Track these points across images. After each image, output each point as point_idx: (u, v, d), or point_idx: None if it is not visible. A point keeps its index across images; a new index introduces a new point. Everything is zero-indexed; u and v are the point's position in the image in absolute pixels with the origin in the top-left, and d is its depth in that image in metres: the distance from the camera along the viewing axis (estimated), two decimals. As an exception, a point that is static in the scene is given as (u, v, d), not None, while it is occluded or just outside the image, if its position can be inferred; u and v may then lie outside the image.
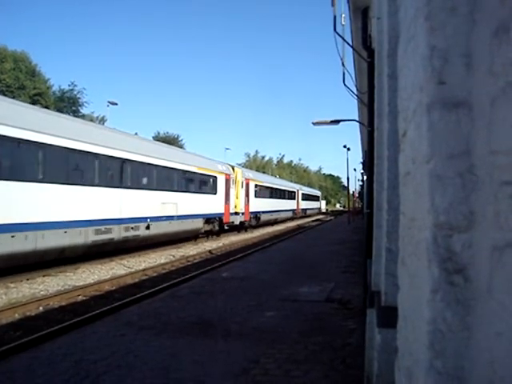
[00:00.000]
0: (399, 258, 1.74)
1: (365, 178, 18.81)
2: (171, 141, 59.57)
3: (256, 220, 38.90)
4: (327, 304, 8.50)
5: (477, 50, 0.99)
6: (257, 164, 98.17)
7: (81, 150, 15.36)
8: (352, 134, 33.84)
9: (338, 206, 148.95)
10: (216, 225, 28.80)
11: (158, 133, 70.31)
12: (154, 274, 15.33)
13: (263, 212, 40.47)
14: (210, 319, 7.30)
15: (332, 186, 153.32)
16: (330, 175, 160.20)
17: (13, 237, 12.20)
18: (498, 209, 0.89)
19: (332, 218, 70.46)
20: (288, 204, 53.29)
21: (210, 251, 21.79)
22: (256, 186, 38.82)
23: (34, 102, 38.05)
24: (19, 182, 12.68)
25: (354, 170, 59.06)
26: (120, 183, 17.90)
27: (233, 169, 33.33)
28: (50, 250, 13.96)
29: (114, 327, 6.94)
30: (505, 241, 0.86)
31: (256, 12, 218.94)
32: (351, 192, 58.08)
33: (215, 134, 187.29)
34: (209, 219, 27.19)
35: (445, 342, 1.01)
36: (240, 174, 34.14)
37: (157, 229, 20.30)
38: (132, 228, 18.47)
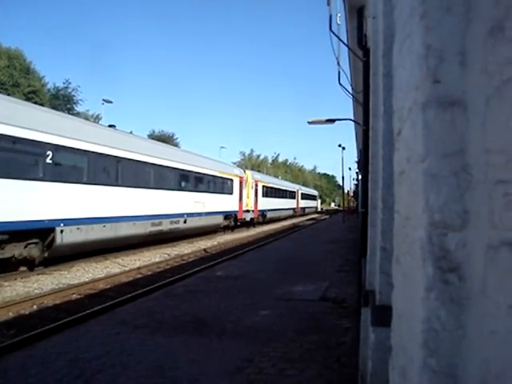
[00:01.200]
0: (394, 256, 1.75)
1: (359, 177, 18.85)
2: (166, 139, 59.25)
3: (263, 217, 43.32)
4: (322, 303, 8.52)
5: (472, 49, 0.99)
6: (252, 163, 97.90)
7: (143, 162, 20.29)
8: (347, 133, 34.41)
9: (332, 205, 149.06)
10: (232, 220, 33.69)
11: (153, 131, 69.98)
12: (149, 273, 15.30)
13: (269, 210, 45.06)
14: (204, 318, 7.30)
15: (327, 185, 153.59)
16: (325, 174, 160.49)
17: (104, 226, 17.01)
18: (493, 207, 0.89)
19: (327, 217, 70.57)
20: (289, 203, 57.63)
21: (204, 250, 21.75)
22: (263, 186, 43.32)
23: (28, 100, 37.84)
24: (107, 187, 17.55)
25: (349, 169, 59.46)
26: (168, 186, 22.94)
27: (244, 172, 38.71)
28: (125, 237, 18.70)
29: (108, 326, 6.92)
30: (499, 240, 0.86)
31: (252, 10, 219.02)
32: (346, 191, 58.20)
33: (210, 133, 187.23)
34: (227, 216, 32.32)
35: (439, 340, 1.01)
36: (250, 177, 38.91)
37: (191, 223, 25.36)
38: (175, 222, 23.41)
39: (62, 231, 14.75)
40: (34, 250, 14.13)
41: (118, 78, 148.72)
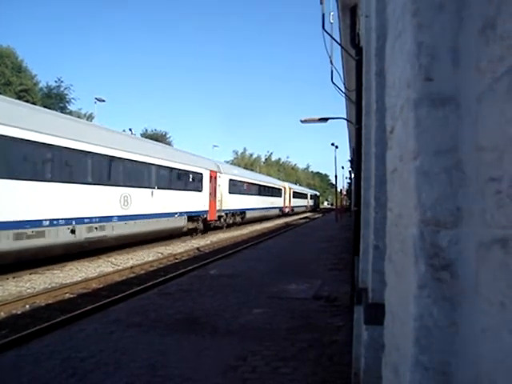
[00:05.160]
0: (386, 254, 1.75)
1: (352, 175, 18.90)
2: (159, 138, 59.04)
3: (292, 211, 66.85)
4: (315, 301, 8.53)
5: (464, 47, 0.99)
6: (245, 161, 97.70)
7: (253, 183, 43.47)
8: (340, 132, 35.35)
9: (325, 203, 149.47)
10: (280, 212, 57.52)
11: (146, 130, 69.57)
12: (142, 272, 15.27)
13: (295, 206, 69.89)
14: (197, 316, 7.30)
15: (320, 183, 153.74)
16: (318, 173, 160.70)
17: (253, 212, 41.97)
18: (485, 205, 0.89)
19: (320, 215, 71.47)
20: (303, 201, 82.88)
21: (197, 249, 21.72)
22: (293, 192, 67.89)
23: (20, 98, 37.57)
24: (256, 196, 44.34)
25: (342, 167, 60.91)
26: (265, 193, 47.85)
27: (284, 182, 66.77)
28: (258, 216, 44.18)
29: (101, 325, 6.90)
30: (491, 237, 0.86)
31: (245, 8, 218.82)
32: (339, 189, 58.31)
33: (203, 131, 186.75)
34: (279, 209, 56.94)
35: (431, 337, 1.02)
36: (287, 186, 64.18)
37: (269, 212, 50.22)
38: (266, 210, 47.79)
39: (246, 213, 39.18)
40: (239, 218, 37.49)
41: (111, 77, 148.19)
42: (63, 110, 46.82)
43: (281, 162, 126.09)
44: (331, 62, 10.46)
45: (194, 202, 26.57)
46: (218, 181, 31.41)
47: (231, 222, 35.87)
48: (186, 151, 30.43)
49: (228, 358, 5.45)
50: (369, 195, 3.36)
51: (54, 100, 47.72)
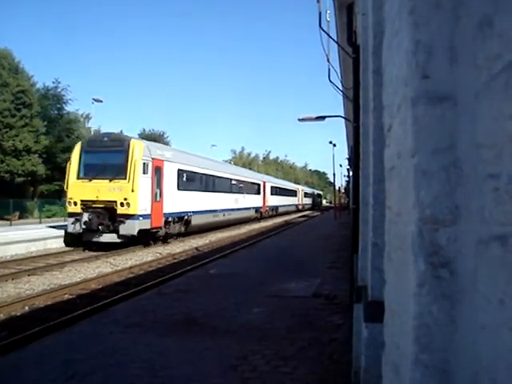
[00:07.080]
0: (385, 252, 1.75)
1: (350, 173, 18.90)
2: (156, 138, 58.95)
3: (303, 207, 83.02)
4: (314, 300, 8.54)
5: (461, 44, 0.99)
6: (243, 161, 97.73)
7: (282, 187, 62.55)
8: (338, 130, 35.50)
9: (324, 201, 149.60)
10: (295, 208, 72.80)
11: (144, 130, 69.46)
12: (141, 272, 15.26)
13: (304, 204, 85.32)
14: (197, 316, 7.29)
15: (318, 181, 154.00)
16: (316, 171, 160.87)
17: (278, 207, 59.66)
18: (483, 202, 0.89)
19: (318, 213, 71.98)
20: (310, 200, 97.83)
21: (196, 248, 21.72)
22: (304, 192, 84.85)
23: (17, 100, 37.55)
24: (278, 196, 58.78)
25: (340, 165, 60.31)
26: (286, 194, 64.69)
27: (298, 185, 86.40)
28: (282, 212, 60.70)
29: (101, 326, 6.90)
30: (490, 234, 0.86)
31: (244, 6, 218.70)
32: (337, 188, 58.35)
33: (201, 131, 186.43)
34: (295, 206, 72.67)
35: (431, 335, 1.02)
36: (300, 188, 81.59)
37: (290, 208, 69.00)
38: (288, 207, 66.76)
39: (279, 208, 58.41)
40: (274, 212, 55.47)
41: (108, 78, 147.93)
42: (60, 110, 46.67)
43: (279, 161, 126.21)
44: (328, 60, 10.47)
45: (257, 201, 45.94)
46: (266, 187, 49.91)
47: (271, 214, 53.15)
48: (250, 171, 56.81)
49: (228, 357, 5.45)
50: (367, 193, 3.36)
51: (52, 101, 47.53)
